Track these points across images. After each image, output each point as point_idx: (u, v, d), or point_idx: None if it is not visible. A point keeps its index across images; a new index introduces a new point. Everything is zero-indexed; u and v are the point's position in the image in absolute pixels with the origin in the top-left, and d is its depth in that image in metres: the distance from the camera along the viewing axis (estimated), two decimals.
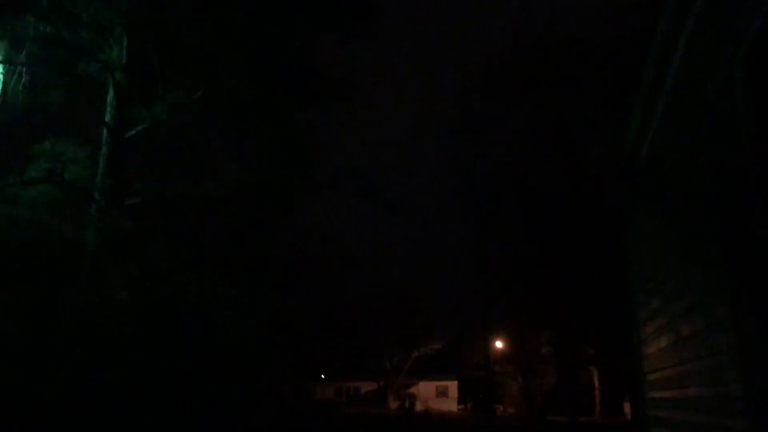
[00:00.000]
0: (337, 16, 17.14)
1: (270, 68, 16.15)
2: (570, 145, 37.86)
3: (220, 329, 13.35)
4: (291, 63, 16.72)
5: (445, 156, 55.35)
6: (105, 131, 14.79)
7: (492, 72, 38.90)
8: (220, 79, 15.15)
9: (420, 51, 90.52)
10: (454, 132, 42.00)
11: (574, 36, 35.81)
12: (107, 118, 14.75)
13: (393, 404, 52.85)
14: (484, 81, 39.62)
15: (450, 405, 54.40)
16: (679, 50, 5.23)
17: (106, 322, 11.37)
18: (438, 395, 55.77)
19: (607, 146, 28.75)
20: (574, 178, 37.24)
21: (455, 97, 75.27)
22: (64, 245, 12.91)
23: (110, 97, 14.84)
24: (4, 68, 14.85)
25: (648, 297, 7.16)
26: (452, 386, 56.20)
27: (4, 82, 14.83)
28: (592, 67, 34.88)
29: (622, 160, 8.43)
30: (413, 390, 55.25)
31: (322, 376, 56.65)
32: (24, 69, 15.33)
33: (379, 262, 73.37)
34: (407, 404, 48.98)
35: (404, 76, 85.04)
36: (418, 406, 50.80)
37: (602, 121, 32.52)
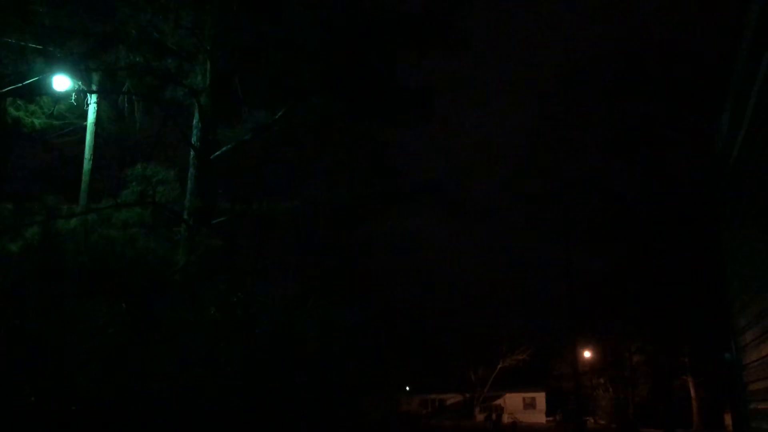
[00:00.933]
0: (417, 33, 17.18)
1: (349, 84, 16.36)
2: (658, 150, 36.75)
3: (303, 342, 13.51)
4: (370, 78, 16.88)
5: (529, 164, 54.66)
6: (192, 153, 15.33)
7: (575, 78, 38.35)
8: (301, 97, 15.45)
9: (500, 60, 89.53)
10: (538, 140, 41.54)
11: (659, 38, 34.96)
12: (193, 140, 15.29)
13: (479, 416, 52.16)
14: (567, 88, 39.10)
15: (538, 417, 53.26)
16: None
17: (197, 338, 11.69)
18: (525, 407, 54.69)
19: (696, 150, 27.74)
20: (662, 183, 36.09)
21: (538, 105, 74.30)
22: (157, 264, 13.41)
23: (195, 120, 15.39)
24: (97, 98, 15.68)
25: (747, 303, 6.83)
26: (540, 398, 55.02)
27: (98, 111, 15.66)
28: (678, 70, 33.85)
29: (713, 163, 8.11)
30: (499, 401, 54.39)
31: (407, 388, 56.51)
32: (117, 97, 16.15)
33: (463, 273, 72.90)
34: (494, 416, 48.24)
35: (484, 86, 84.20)
36: (505, 418, 49.98)
37: (690, 123, 31.44)
